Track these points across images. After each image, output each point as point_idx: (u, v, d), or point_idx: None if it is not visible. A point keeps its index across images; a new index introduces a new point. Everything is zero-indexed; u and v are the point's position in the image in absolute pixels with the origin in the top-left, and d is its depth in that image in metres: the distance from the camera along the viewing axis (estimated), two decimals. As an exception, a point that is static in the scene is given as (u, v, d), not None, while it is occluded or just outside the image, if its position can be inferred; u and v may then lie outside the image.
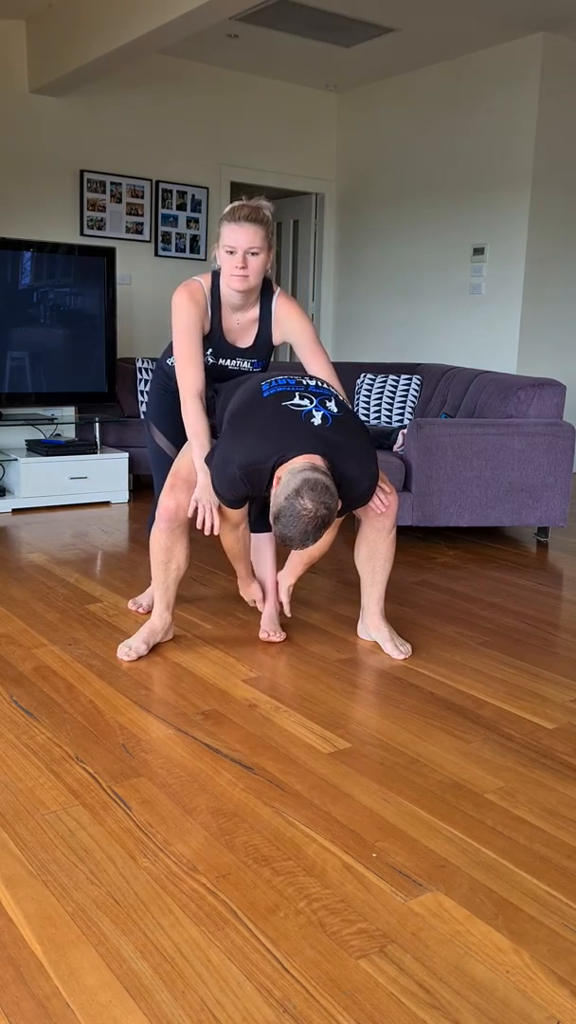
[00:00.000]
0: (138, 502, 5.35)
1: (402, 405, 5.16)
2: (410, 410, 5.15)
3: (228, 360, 2.87)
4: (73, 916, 1.60)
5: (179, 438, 3.04)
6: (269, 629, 3.02)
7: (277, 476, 2.45)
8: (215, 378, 2.93)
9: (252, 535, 3.07)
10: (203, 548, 4.20)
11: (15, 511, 4.99)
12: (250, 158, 7.01)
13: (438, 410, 5.05)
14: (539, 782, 2.13)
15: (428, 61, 6.40)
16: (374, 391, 5.26)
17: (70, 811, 1.94)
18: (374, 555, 2.90)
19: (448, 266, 6.55)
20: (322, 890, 1.69)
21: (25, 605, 3.31)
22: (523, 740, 2.35)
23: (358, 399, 5.31)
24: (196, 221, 6.81)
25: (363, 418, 5.23)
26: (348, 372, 5.61)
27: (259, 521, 3.05)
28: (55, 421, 5.39)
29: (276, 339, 2.88)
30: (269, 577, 3.07)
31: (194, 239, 6.83)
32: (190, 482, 2.73)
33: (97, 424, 5.33)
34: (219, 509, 2.65)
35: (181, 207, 6.73)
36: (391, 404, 5.18)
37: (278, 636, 3.01)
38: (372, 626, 2.99)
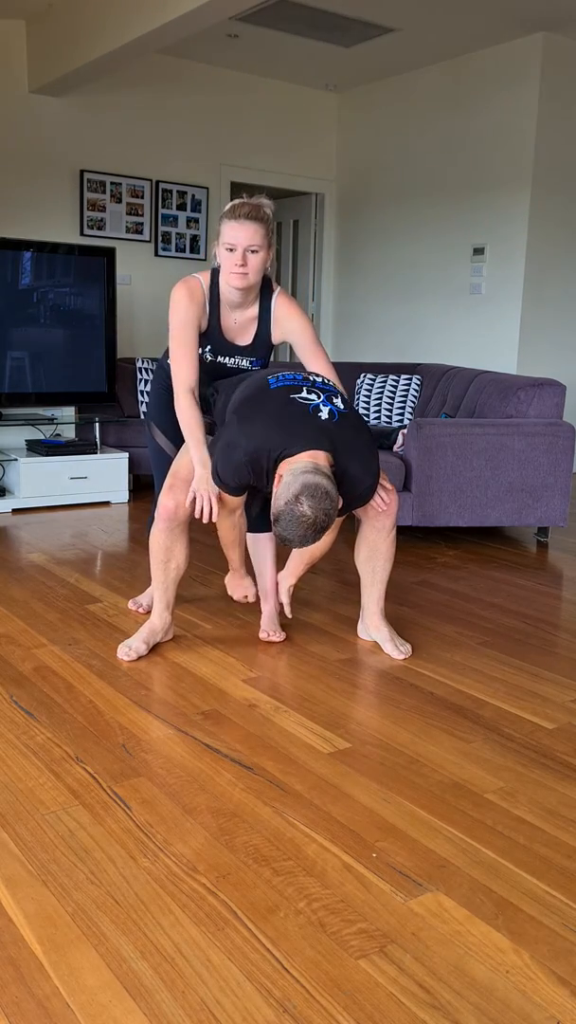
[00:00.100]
0: (138, 502, 5.35)
1: (402, 405, 5.16)
2: (410, 410, 5.15)
3: (227, 358, 2.87)
4: (73, 916, 1.60)
5: (180, 438, 3.03)
6: (269, 629, 3.02)
7: (279, 475, 2.44)
8: (214, 376, 2.93)
9: (252, 535, 3.07)
10: (203, 548, 4.21)
11: (15, 511, 4.99)
12: (250, 158, 7.01)
13: (438, 410, 5.05)
14: (539, 782, 2.13)
15: (428, 61, 6.40)
16: (374, 391, 5.26)
17: (70, 811, 1.94)
18: (374, 555, 2.90)
19: (448, 266, 6.55)
20: (322, 890, 1.69)
21: (25, 605, 3.31)
22: (523, 740, 2.35)
23: (358, 399, 5.31)
24: (196, 221, 6.81)
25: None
26: (348, 372, 5.61)
27: (259, 521, 3.05)
28: (55, 421, 5.40)
29: (275, 338, 2.88)
30: (269, 577, 3.06)
31: (194, 239, 6.83)
32: (189, 482, 2.73)
33: (97, 424, 5.33)
34: (218, 497, 2.64)
35: (181, 207, 6.73)
36: (391, 404, 5.18)
37: (278, 636, 3.01)
38: (372, 626, 2.99)
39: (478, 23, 5.59)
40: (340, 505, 2.54)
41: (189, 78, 6.62)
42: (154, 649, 2.90)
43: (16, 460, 5.03)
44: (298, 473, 2.38)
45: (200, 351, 2.85)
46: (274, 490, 2.46)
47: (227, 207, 2.68)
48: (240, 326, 2.85)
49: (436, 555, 4.28)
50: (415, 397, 5.19)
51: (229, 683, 2.65)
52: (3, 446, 5.38)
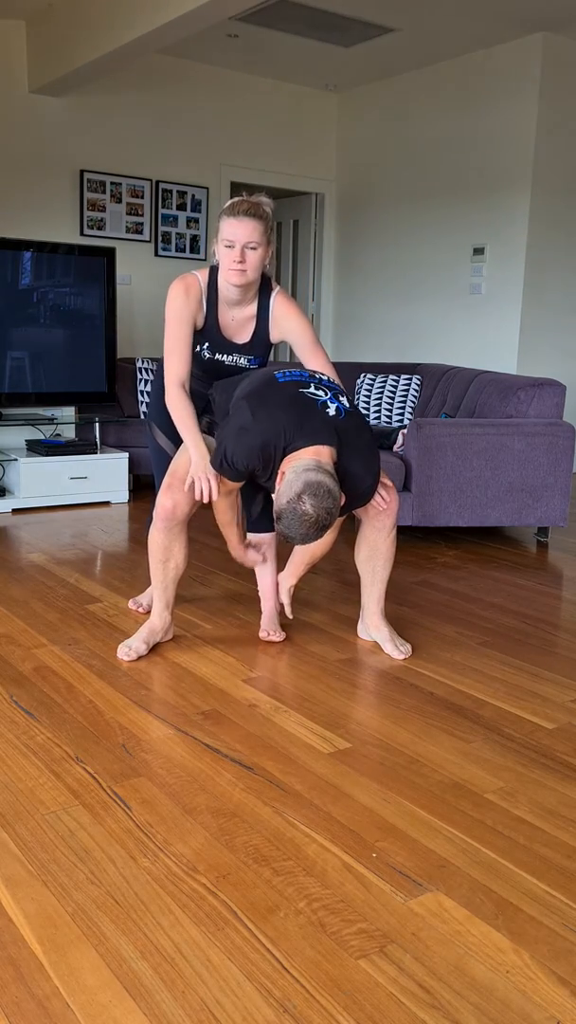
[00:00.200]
0: (138, 502, 5.34)
1: (402, 405, 5.16)
2: (410, 410, 5.15)
3: (224, 355, 2.87)
4: (73, 916, 1.60)
5: (180, 438, 3.03)
6: (269, 629, 3.02)
7: (281, 471, 2.45)
8: (213, 374, 2.93)
9: (252, 535, 3.07)
10: (202, 548, 4.21)
11: (15, 511, 4.99)
12: (250, 158, 7.01)
13: (438, 410, 5.05)
14: (539, 782, 2.13)
15: (428, 61, 6.40)
16: (374, 391, 5.26)
17: (70, 811, 1.94)
18: (374, 555, 2.90)
19: (448, 266, 6.55)
20: (322, 890, 1.69)
21: (25, 605, 3.31)
22: (523, 740, 2.35)
23: (358, 399, 5.31)
24: (196, 221, 6.81)
25: (363, 418, 5.22)
26: (348, 372, 5.61)
27: (259, 521, 3.05)
28: (55, 421, 5.39)
29: (273, 337, 2.88)
30: (269, 578, 3.06)
31: (194, 239, 6.83)
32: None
33: (97, 424, 5.33)
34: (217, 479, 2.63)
35: (181, 207, 6.73)
36: (391, 404, 5.18)
37: (278, 636, 3.01)
38: (372, 626, 2.99)
39: (478, 23, 5.60)
40: (343, 503, 2.54)
41: (189, 78, 6.62)
42: (154, 649, 2.90)
43: (16, 460, 5.03)
44: (300, 471, 2.38)
45: (198, 348, 2.85)
46: (276, 487, 2.46)
47: (226, 205, 2.69)
48: (238, 324, 2.85)
49: (436, 555, 4.28)
50: (415, 397, 5.19)
51: (229, 683, 2.65)
52: (3, 446, 5.38)
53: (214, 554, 4.11)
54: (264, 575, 3.08)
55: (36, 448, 5.21)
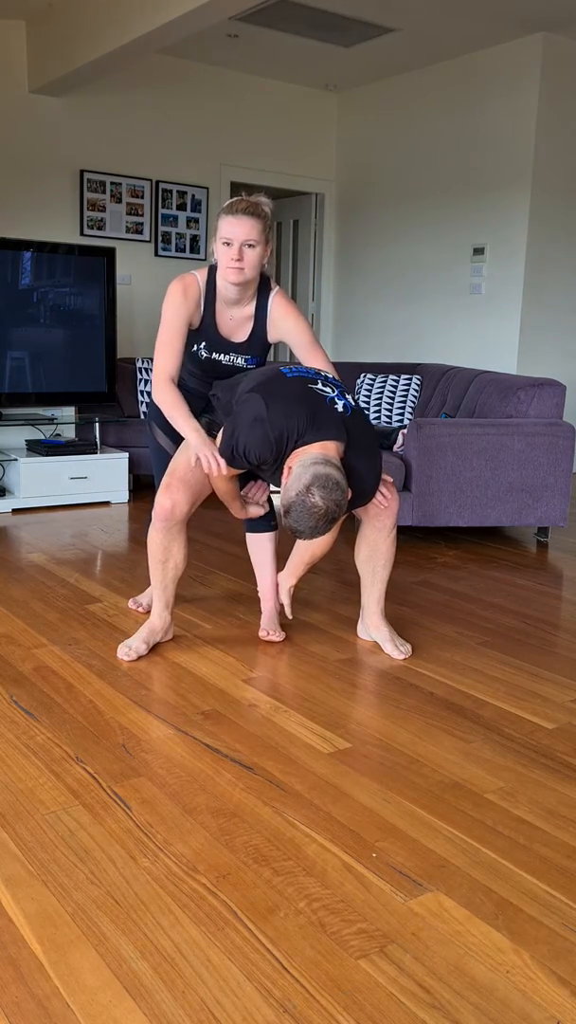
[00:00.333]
0: (138, 502, 5.34)
1: (402, 405, 5.16)
2: (410, 410, 5.15)
3: (222, 355, 2.87)
4: (73, 916, 1.60)
5: (180, 437, 3.03)
6: (269, 628, 3.02)
7: (288, 467, 2.45)
8: (210, 374, 2.92)
9: (252, 535, 3.07)
10: (202, 548, 4.21)
11: (15, 511, 4.99)
12: (250, 158, 7.01)
13: (438, 410, 5.05)
14: (539, 782, 2.13)
15: (428, 61, 6.40)
16: (374, 391, 5.26)
17: (70, 811, 1.94)
18: (374, 555, 2.90)
19: (448, 266, 6.55)
20: (322, 890, 1.69)
21: (25, 605, 3.31)
22: (523, 740, 2.35)
23: (358, 399, 5.31)
24: (196, 221, 6.81)
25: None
26: (348, 372, 5.61)
27: (259, 521, 3.05)
28: (55, 421, 5.39)
29: (271, 337, 2.88)
30: (269, 578, 3.07)
31: (194, 239, 6.83)
32: (186, 481, 2.73)
33: (97, 424, 5.33)
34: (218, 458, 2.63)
35: (181, 207, 6.73)
36: (391, 404, 5.18)
37: (278, 636, 3.01)
38: (372, 626, 2.99)
39: (478, 23, 5.60)
40: (349, 496, 2.54)
41: (189, 78, 6.62)
42: (154, 649, 2.90)
43: (16, 460, 5.03)
44: (308, 464, 2.39)
45: (195, 347, 2.86)
46: (283, 482, 2.47)
47: (225, 204, 2.69)
48: (236, 323, 2.85)
49: (436, 555, 4.28)
50: (415, 397, 5.19)
51: (229, 683, 2.65)
52: (3, 446, 5.38)
53: (214, 554, 4.11)
54: (264, 575, 3.08)
55: (36, 448, 5.21)
